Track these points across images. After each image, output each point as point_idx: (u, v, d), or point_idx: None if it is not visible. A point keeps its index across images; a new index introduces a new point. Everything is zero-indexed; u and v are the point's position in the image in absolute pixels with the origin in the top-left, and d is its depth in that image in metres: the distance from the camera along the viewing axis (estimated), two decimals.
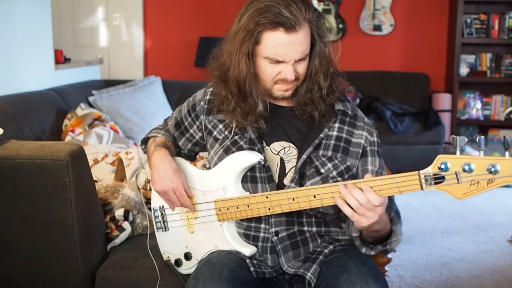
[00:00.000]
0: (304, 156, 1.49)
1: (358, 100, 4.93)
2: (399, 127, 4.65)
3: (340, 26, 5.25)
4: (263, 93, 1.51)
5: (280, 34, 1.41)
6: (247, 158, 1.49)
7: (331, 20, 5.23)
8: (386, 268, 2.65)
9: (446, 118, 4.92)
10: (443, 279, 2.75)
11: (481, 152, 1.21)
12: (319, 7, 5.20)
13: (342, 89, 1.55)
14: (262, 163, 1.49)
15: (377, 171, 1.53)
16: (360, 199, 1.29)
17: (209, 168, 1.60)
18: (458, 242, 3.28)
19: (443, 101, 4.99)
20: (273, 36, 1.41)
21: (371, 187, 1.30)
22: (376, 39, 5.30)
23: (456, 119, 5.00)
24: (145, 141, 1.73)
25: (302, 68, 1.48)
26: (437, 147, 4.70)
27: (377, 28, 5.26)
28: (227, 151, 1.54)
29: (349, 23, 5.29)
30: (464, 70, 5.07)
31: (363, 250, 1.47)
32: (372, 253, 1.47)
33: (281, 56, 1.43)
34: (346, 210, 1.32)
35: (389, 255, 2.59)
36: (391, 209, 1.46)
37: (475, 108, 5.10)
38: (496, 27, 5.01)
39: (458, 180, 1.22)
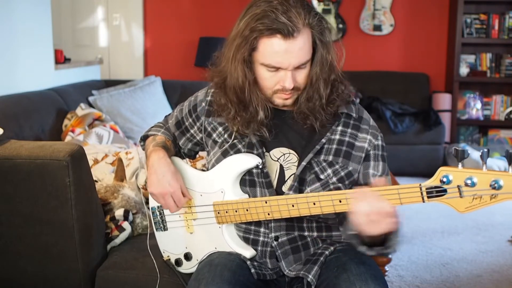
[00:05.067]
0: (304, 163, 1.46)
1: (358, 100, 4.93)
2: (399, 127, 4.65)
3: (340, 26, 5.25)
4: (265, 99, 1.47)
5: (277, 40, 1.36)
6: (245, 161, 1.47)
7: (331, 20, 5.23)
8: (386, 268, 2.65)
9: (446, 118, 4.92)
10: (443, 279, 2.75)
11: (484, 166, 1.17)
12: (319, 7, 5.20)
13: (344, 97, 1.49)
14: (261, 167, 1.47)
15: (379, 176, 1.49)
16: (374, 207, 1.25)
17: (208, 169, 1.59)
18: (458, 242, 3.28)
19: (443, 101, 4.99)
20: (270, 42, 1.37)
21: None
22: (376, 39, 5.30)
23: (456, 119, 5.00)
24: (144, 138, 1.70)
25: (302, 76, 1.43)
26: (437, 147, 4.70)
27: (377, 28, 5.26)
28: (225, 154, 1.52)
29: (349, 23, 5.29)
30: (464, 70, 5.07)
31: (361, 249, 1.42)
32: (370, 253, 1.42)
33: (279, 63, 1.38)
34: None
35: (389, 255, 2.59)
36: None
37: (475, 108, 5.10)
38: (496, 27, 5.00)
39: (460, 194, 1.19)
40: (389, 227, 1.27)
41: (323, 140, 1.48)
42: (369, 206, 1.25)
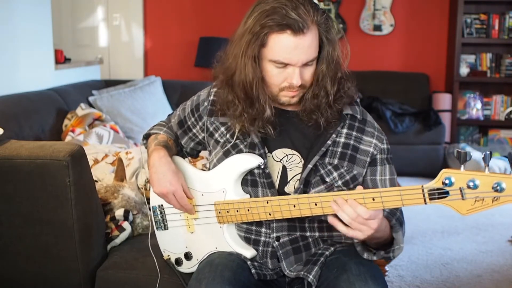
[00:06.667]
0: (310, 166, 1.46)
1: (358, 100, 4.92)
2: (399, 127, 4.65)
3: (340, 26, 5.25)
4: (270, 97, 1.47)
5: (287, 36, 1.37)
6: (247, 161, 1.47)
7: None
8: (386, 268, 2.65)
9: (446, 118, 4.92)
10: (443, 279, 2.75)
11: (487, 168, 1.17)
12: None
13: (350, 94, 1.50)
14: (262, 167, 1.47)
15: (389, 179, 1.51)
16: (350, 214, 1.28)
17: (209, 169, 1.60)
18: (458, 242, 3.28)
19: (443, 101, 4.99)
20: (280, 38, 1.38)
21: (373, 198, 1.28)
22: (376, 39, 5.30)
23: (456, 119, 5.00)
24: (146, 137, 1.71)
25: (308, 74, 1.44)
26: (437, 147, 4.70)
27: (377, 28, 5.26)
28: (227, 154, 1.52)
29: (349, 23, 5.29)
30: (464, 70, 5.07)
31: (365, 255, 1.44)
32: (374, 258, 1.44)
33: (288, 59, 1.39)
34: (340, 228, 1.31)
35: None
36: (393, 216, 1.42)
37: (475, 108, 5.10)
38: (496, 27, 5.00)
39: (462, 196, 1.19)
40: (370, 231, 1.30)
41: (329, 142, 1.47)
42: (346, 216, 1.29)
